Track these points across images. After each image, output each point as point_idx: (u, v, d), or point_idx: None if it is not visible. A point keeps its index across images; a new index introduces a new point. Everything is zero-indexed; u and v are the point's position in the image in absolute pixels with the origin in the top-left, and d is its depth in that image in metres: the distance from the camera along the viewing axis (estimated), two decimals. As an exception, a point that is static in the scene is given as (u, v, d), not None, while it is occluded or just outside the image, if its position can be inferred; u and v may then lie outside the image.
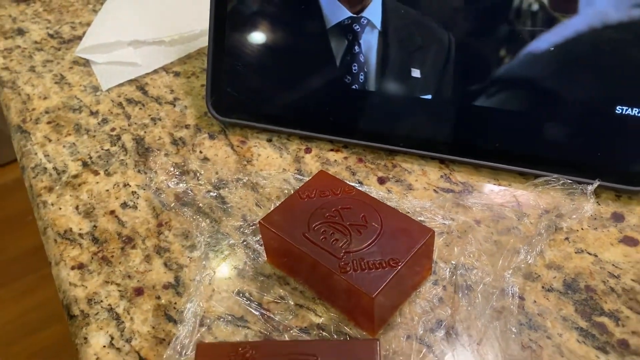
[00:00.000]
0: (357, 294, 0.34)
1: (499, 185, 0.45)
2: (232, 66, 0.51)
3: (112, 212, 0.46)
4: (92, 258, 0.43)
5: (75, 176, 0.50)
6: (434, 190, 0.45)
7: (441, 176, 0.46)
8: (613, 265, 0.39)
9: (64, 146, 0.53)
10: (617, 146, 0.42)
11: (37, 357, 1.37)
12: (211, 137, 0.52)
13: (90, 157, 0.51)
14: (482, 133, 0.46)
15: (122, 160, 0.51)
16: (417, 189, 0.46)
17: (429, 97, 0.46)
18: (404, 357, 0.35)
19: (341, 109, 0.49)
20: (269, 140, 0.51)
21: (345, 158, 0.49)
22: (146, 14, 0.65)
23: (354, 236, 0.37)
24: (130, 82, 0.59)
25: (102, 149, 0.52)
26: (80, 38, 0.66)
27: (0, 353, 1.40)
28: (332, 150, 0.50)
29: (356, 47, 0.47)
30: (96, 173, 0.50)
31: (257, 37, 0.51)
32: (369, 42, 0.47)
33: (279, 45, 0.50)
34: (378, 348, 0.30)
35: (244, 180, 0.47)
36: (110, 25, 0.63)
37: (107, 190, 0.48)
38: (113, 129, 0.54)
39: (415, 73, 0.46)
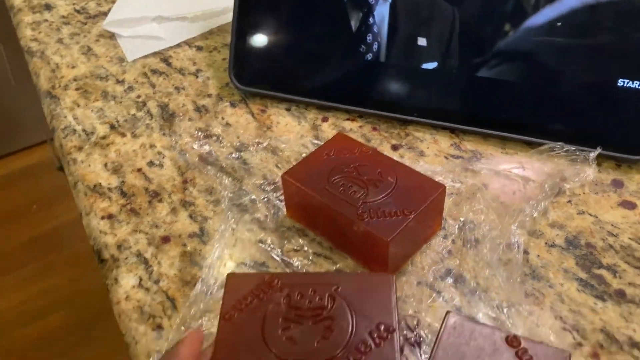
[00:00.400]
0: (373, 239, 0.37)
1: (506, 153, 0.48)
2: (254, 38, 0.54)
3: (139, 169, 0.49)
4: (121, 209, 0.46)
5: (104, 137, 0.52)
6: (445, 157, 0.48)
7: (451, 144, 0.49)
8: (612, 225, 0.42)
9: (92, 110, 0.55)
10: (619, 118, 0.45)
11: (40, 343, 1.39)
12: (232, 105, 0.55)
13: (117, 121, 0.54)
14: (488, 103, 0.48)
15: (148, 124, 0.53)
16: (428, 156, 0.48)
17: (435, 65, 0.49)
18: (416, 300, 0.38)
19: (356, 79, 0.52)
20: (288, 110, 0.54)
21: (360, 127, 0.51)
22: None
23: (370, 189, 0.40)
24: (154, 54, 0.62)
25: (129, 114, 0.55)
26: (105, 14, 0.69)
27: (3, 338, 1.42)
28: (348, 119, 0.52)
29: (370, 19, 0.50)
30: (123, 135, 0.52)
31: (279, 10, 0.53)
32: (382, 14, 0.49)
33: (299, 18, 0.53)
34: (393, 280, 0.33)
35: (264, 144, 0.50)
36: (136, 1, 0.66)
37: (134, 150, 0.51)
38: (139, 96, 0.57)
39: (422, 42, 0.49)
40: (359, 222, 0.37)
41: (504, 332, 0.30)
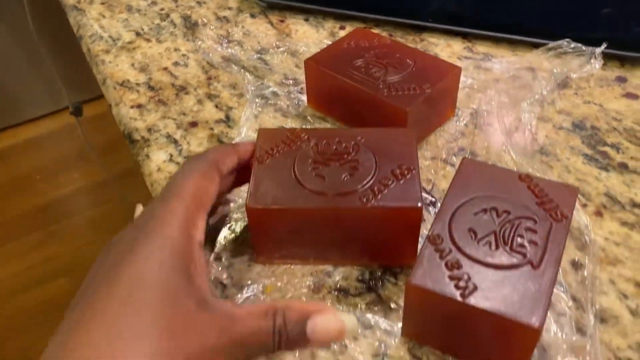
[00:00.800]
0: (393, 110, 0.39)
1: (516, 54, 0.50)
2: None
3: (165, 68, 0.51)
4: (149, 100, 0.48)
5: (130, 42, 0.55)
6: (458, 58, 0.50)
7: (464, 48, 0.51)
8: (616, 112, 0.44)
9: (117, 21, 0.57)
10: (623, 17, 0.47)
11: (43, 307, 1.41)
12: (252, 16, 0.57)
13: (142, 29, 0.56)
14: (498, 8, 0.51)
15: (172, 31, 0.56)
16: (442, 58, 0.51)
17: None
18: (430, 171, 0.40)
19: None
20: (306, 20, 0.56)
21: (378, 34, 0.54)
22: None
23: (390, 70, 0.42)
24: (175, -26, 0.64)
25: (153, 23, 0.57)
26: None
27: (7, 302, 1.44)
28: (365, 27, 0.54)
29: None
30: (148, 40, 0.55)
31: None
32: None
33: None
34: (414, 134, 0.35)
35: (284, 48, 0.52)
36: None
37: (159, 53, 0.53)
38: (162, 9, 0.59)
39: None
40: (380, 96, 0.40)
41: (517, 172, 0.33)
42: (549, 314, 0.32)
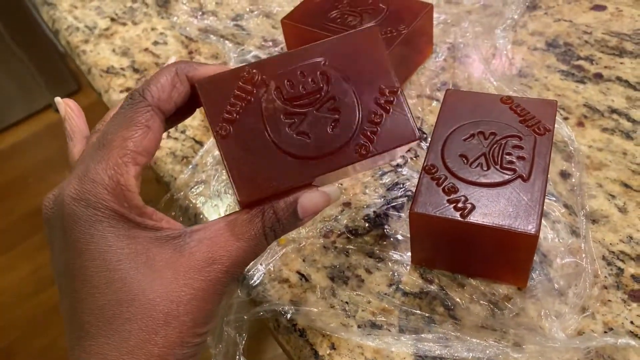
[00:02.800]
0: (373, 55, 0.41)
1: (484, -16, 0.51)
2: None
3: (146, 49, 0.52)
4: (137, 82, 0.49)
5: (106, 29, 0.55)
6: (428, -4, 0.51)
7: (433, -15, 0.52)
8: (586, 25, 0.46)
9: (90, 9, 0.58)
10: None
11: (55, 310, 1.43)
12: (222, -16, 0.57)
13: (116, 14, 0.57)
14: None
15: (145, 12, 0.56)
16: None
17: None
18: (417, 108, 0.42)
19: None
20: (276, -20, 0.57)
21: (346, -16, 0.55)
22: None
23: (365, 16, 0.43)
24: (138, -46, 0.64)
25: (125, 7, 0.57)
26: None
27: (21, 307, 1.46)
28: (333, -20, 0.55)
29: None
30: (124, 24, 0.55)
31: None
32: None
33: None
34: (378, 32, 0.29)
35: (257, 11, 0.53)
36: None
37: (137, 35, 0.54)
38: (131, -9, 0.59)
39: None
40: (359, 43, 0.41)
41: (498, 95, 0.35)
42: (544, 222, 0.34)
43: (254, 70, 0.28)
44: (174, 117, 0.29)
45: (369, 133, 0.28)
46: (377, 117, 0.28)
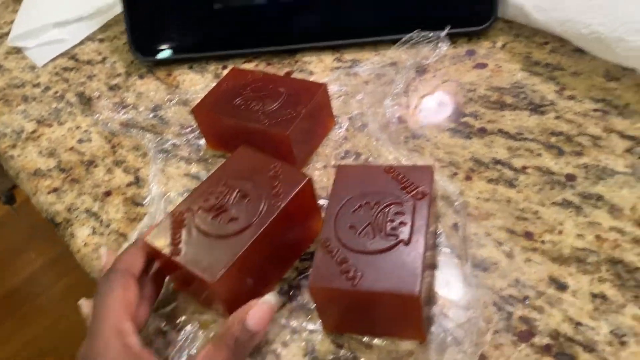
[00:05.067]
0: (276, 136, 0.44)
1: (379, 54, 0.56)
2: (145, 12, 0.60)
3: (71, 148, 0.55)
4: (63, 182, 0.51)
5: (33, 132, 0.58)
6: (330, 70, 0.56)
7: (334, 59, 0.57)
8: (470, 83, 0.50)
9: (16, 114, 0.60)
10: (459, -1, 0.54)
11: None
12: (141, 77, 0.61)
13: (42, 116, 0.59)
14: (355, 17, 0.56)
15: (70, 111, 0.59)
16: (317, 73, 0.56)
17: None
18: (321, 179, 0.45)
19: (243, 23, 0.59)
20: (190, 68, 0.60)
21: (257, 65, 0.59)
22: (63, -3, 0.73)
23: (266, 101, 0.47)
24: (61, 55, 0.67)
25: (51, 108, 0.60)
26: (7, 34, 0.73)
27: None
28: (245, 62, 0.59)
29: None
30: (50, 126, 0.58)
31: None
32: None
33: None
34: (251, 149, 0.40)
35: (175, 100, 0.56)
36: (35, 13, 0.71)
37: (63, 135, 0.56)
38: (56, 92, 0.62)
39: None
40: (260, 126, 0.44)
41: (382, 166, 0.38)
42: (439, 275, 0.37)
43: (179, 209, 0.39)
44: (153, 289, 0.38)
45: (274, 193, 0.38)
46: (275, 181, 0.39)
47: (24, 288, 1.70)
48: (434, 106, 0.49)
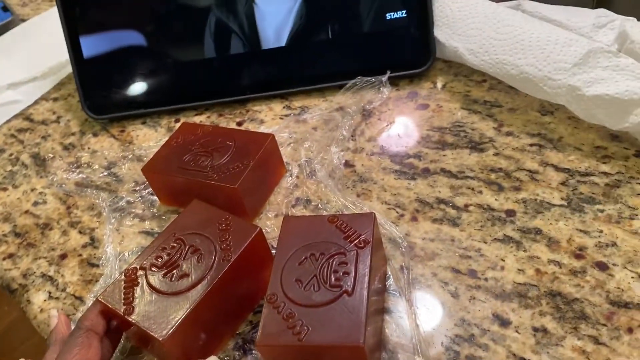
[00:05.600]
0: (226, 190, 0.45)
1: (326, 100, 0.57)
2: (95, 72, 0.61)
3: (27, 211, 0.55)
4: (19, 247, 0.51)
5: (-13, 197, 0.58)
6: (280, 117, 0.57)
7: (283, 107, 0.58)
8: (413, 124, 0.52)
9: (-29, 179, 0.60)
10: (396, 44, 0.56)
11: None
12: (95, 135, 0.61)
13: (-3, 180, 0.59)
14: (302, 66, 0.58)
15: (25, 173, 0.59)
16: (267, 122, 0.57)
17: (247, 49, 0.58)
18: (274, 228, 0.46)
19: (192, 78, 0.60)
20: (143, 123, 0.61)
21: (208, 117, 0.60)
22: (15, 59, 0.74)
23: (215, 155, 0.48)
24: (16, 116, 0.68)
25: (5, 171, 0.60)
26: (-39, 97, 0.73)
27: None
28: (196, 114, 0.60)
29: (196, 24, 0.58)
30: (5, 189, 0.58)
31: (108, 41, 0.61)
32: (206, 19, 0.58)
33: (127, 43, 0.61)
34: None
35: (129, 156, 0.57)
36: (-15, 76, 0.72)
37: (18, 198, 0.57)
38: (11, 154, 0.62)
39: (232, 36, 0.58)
40: (208, 181, 0.45)
41: (326, 216, 0.39)
42: (390, 320, 0.38)
43: (132, 267, 0.39)
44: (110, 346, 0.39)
45: (224, 247, 0.39)
46: (226, 234, 0.40)
47: (3, 341, 1.66)
48: (379, 149, 0.50)
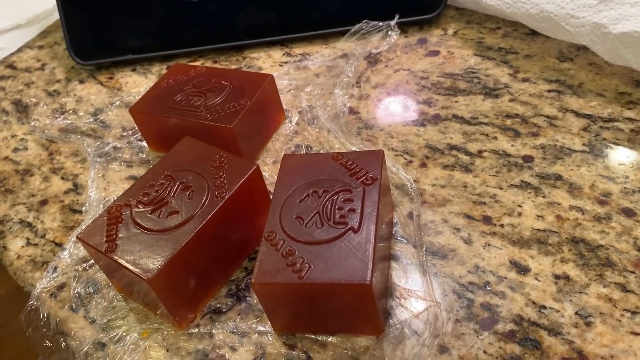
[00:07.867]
0: (220, 130, 0.42)
1: (329, 46, 0.54)
2: (82, 14, 0.57)
3: (6, 157, 0.51)
4: (-4, 193, 0.48)
5: (-36, 143, 0.54)
6: (279, 64, 0.54)
7: (283, 54, 0.55)
8: (422, 71, 0.49)
9: (-53, 126, 0.57)
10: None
11: None
12: (81, 82, 0.58)
13: (-25, 126, 0.56)
14: (302, 9, 0.54)
15: (5, 120, 0.55)
16: (265, 69, 0.54)
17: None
18: (272, 175, 0.43)
19: (185, 21, 0.56)
20: (133, 70, 0.57)
21: (203, 64, 0.56)
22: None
23: (209, 95, 0.44)
24: (-2, 64, 0.64)
25: (-15, 118, 0.56)
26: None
27: None
28: (190, 61, 0.57)
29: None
30: (-17, 136, 0.54)
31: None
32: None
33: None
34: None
35: (117, 103, 0.54)
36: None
37: (-3, 145, 0.53)
38: (-9, 101, 0.59)
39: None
40: (202, 122, 0.42)
41: (330, 153, 0.36)
42: (397, 266, 0.35)
43: (116, 204, 0.36)
44: None
45: (218, 184, 0.36)
46: (220, 171, 0.36)
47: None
48: (386, 95, 0.47)
